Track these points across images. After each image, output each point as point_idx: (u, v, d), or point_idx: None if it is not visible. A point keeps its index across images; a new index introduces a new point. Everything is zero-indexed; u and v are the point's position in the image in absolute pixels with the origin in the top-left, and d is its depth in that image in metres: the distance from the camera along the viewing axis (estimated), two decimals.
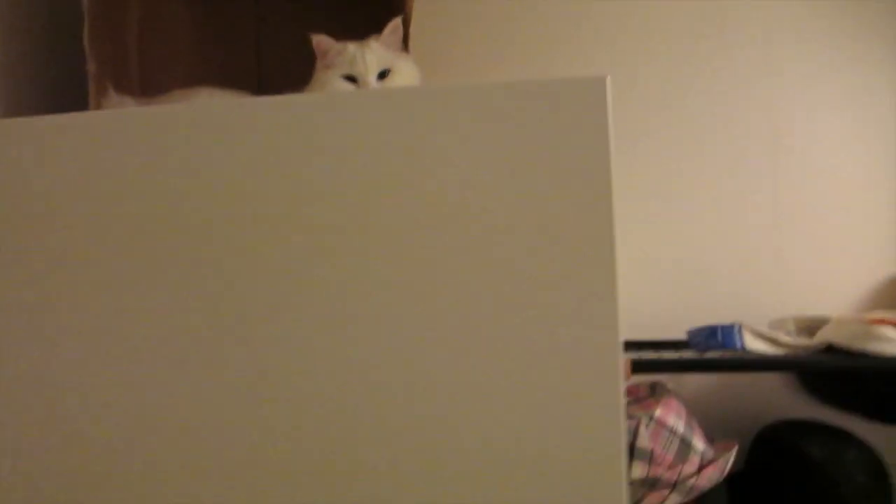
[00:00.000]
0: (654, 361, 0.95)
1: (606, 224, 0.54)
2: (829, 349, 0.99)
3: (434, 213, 0.56)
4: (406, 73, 0.91)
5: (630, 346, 1.09)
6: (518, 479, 0.55)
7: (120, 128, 0.61)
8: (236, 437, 0.58)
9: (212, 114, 0.60)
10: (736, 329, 0.98)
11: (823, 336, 1.01)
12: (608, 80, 0.52)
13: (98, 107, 0.95)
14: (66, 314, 0.60)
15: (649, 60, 1.28)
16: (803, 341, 1.00)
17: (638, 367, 0.94)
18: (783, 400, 1.20)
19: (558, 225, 0.54)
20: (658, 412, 0.91)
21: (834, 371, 1.05)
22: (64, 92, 1.06)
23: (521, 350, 0.55)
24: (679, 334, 1.18)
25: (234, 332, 0.58)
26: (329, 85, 0.91)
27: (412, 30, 0.96)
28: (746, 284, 1.25)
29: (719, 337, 0.98)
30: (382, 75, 0.90)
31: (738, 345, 0.97)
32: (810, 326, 1.12)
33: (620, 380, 0.56)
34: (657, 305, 1.23)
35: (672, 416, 0.92)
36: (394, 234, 0.56)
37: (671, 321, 1.22)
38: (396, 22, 0.92)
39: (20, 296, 0.60)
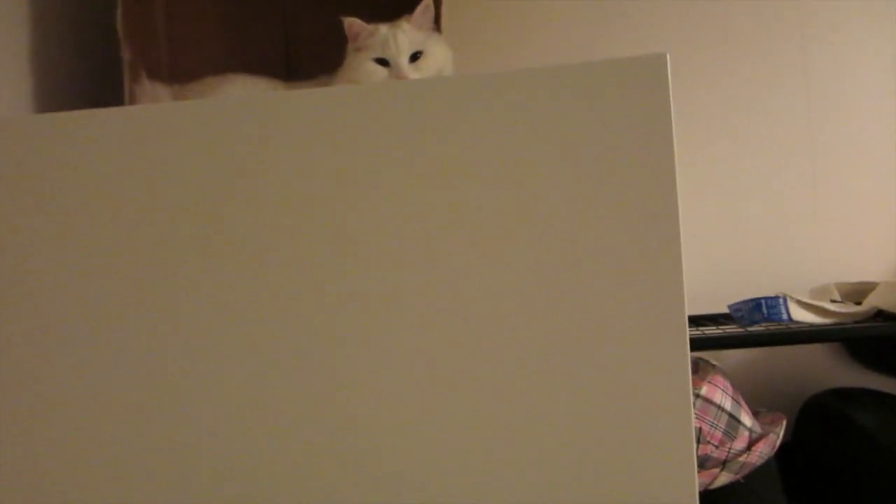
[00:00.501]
0: (700, 338, 0.94)
1: (671, 203, 0.54)
2: (879, 315, 0.97)
3: (496, 200, 0.54)
4: (439, 55, 0.90)
5: None
6: (585, 466, 0.55)
7: (147, 123, 0.60)
8: (239, 432, 0.58)
9: (251, 107, 0.60)
10: (781, 301, 0.96)
11: (871, 302, 0.99)
12: (667, 57, 0.51)
13: (133, 97, 0.95)
14: (86, 311, 0.60)
15: (687, 37, 1.24)
16: (851, 308, 0.98)
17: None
18: (829, 368, 1.18)
19: (623, 206, 0.53)
20: (704, 389, 0.91)
21: (886, 338, 1.03)
22: (98, 80, 1.07)
23: (584, 335, 0.55)
24: (717, 307, 1.16)
25: (254, 330, 0.58)
26: (361, 68, 0.90)
27: (444, 9, 0.94)
28: (784, 252, 1.22)
29: (764, 310, 0.96)
30: (414, 57, 0.89)
31: (785, 316, 0.95)
32: (855, 292, 1.10)
33: (687, 360, 0.55)
34: (693, 278, 1.22)
35: (718, 392, 0.92)
36: (447, 227, 0.55)
37: (709, 294, 1.21)
38: (428, 2, 0.90)
39: (30, 296, 0.60)
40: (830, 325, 0.95)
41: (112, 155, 0.60)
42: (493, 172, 0.54)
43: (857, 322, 0.96)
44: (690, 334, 1.01)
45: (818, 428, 1.04)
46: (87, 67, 1.07)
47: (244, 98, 0.62)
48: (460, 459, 0.56)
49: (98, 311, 0.59)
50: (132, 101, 0.94)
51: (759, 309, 0.97)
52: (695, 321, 1.13)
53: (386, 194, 0.56)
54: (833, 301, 1.04)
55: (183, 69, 1.12)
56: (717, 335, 0.96)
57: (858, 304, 1.04)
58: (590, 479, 0.54)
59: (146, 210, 0.59)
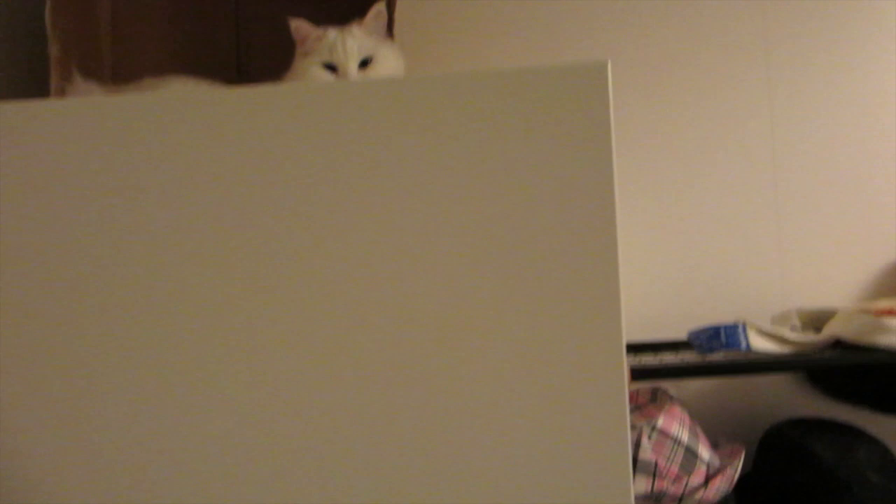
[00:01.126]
0: (655, 368, 0.91)
1: (609, 213, 0.51)
2: (837, 344, 0.95)
3: (427, 209, 0.52)
4: (390, 61, 0.85)
5: (627, 348, 1.05)
6: (520, 491, 0.52)
7: (89, 116, 0.56)
8: (234, 432, 0.55)
9: (189, 104, 0.56)
10: (740, 328, 0.93)
11: (830, 331, 0.97)
12: (608, 64, 0.48)
13: (60, 93, 0.89)
14: (51, 310, 0.56)
15: (643, 52, 1.22)
16: (810, 337, 0.95)
17: (639, 373, 0.89)
18: (789, 397, 1.16)
19: (559, 217, 0.51)
20: (660, 421, 0.87)
21: (844, 367, 1.01)
22: (26, 76, 1.00)
23: (520, 355, 0.53)
24: (677, 333, 1.13)
25: (229, 331, 0.54)
26: (307, 73, 0.85)
27: (397, 15, 0.90)
28: (746, 277, 1.20)
29: (722, 337, 0.93)
30: (364, 63, 0.84)
31: (743, 345, 0.93)
32: (815, 319, 1.08)
33: (624, 388, 0.53)
34: (653, 304, 1.19)
35: (675, 424, 0.88)
36: (384, 233, 0.53)
37: (668, 320, 1.18)
38: (380, 7, 0.86)
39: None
40: (789, 354, 0.92)
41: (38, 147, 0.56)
42: (431, 179, 0.51)
43: (815, 351, 0.93)
44: (647, 362, 0.97)
45: (777, 459, 1.01)
46: (14, 63, 1.00)
47: (174, 94, 0.58)
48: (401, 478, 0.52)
49: (75, 307, 0.54)
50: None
51: (718, 337, 0.93)
52: (654, 348, 1.10)
53: (325, 195, 0.54)
54: (793, 328, 1.01)
55: (127, 69, 1.06)
56: (674, 364, 0.93)
57: (819, 330, 1.02)
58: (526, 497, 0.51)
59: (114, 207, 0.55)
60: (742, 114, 1.21)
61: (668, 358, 0.98)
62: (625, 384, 0.52)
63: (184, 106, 0.56)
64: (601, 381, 0.52)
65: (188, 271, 0.55)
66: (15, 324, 0.56)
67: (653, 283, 1.19)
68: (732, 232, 1.21)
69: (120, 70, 1.07)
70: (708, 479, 0.81)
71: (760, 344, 0.93)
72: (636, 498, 0.79)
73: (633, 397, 0.99)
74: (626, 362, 0.52)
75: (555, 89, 0.49)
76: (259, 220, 0.54)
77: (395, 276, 0.52)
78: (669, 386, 0.99)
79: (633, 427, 0.86)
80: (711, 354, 0.95)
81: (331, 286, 0.53)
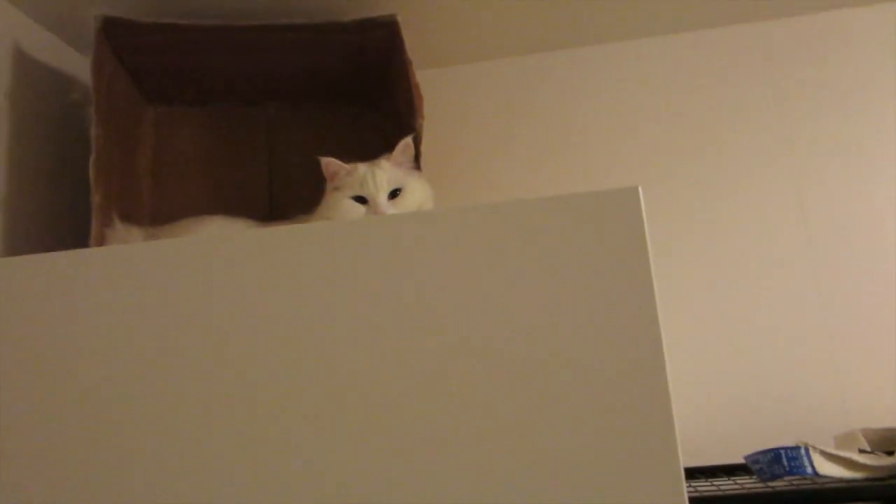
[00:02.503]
0: (714, 496, 0.83)
1: (654, 337, 0.49)
2: None
3: (471, 339, 0.50)
4: (418, 191, 0.87)
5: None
6: None
7: (121, 263, 0.58)
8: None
9: (215, 247, 0.57)
10: (803, 451, 0.86)
11: None
12: (640, 190, 0.48)
13: (101, 238, 0.92)
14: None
15: (671, 178, 1.23)
16: (884, 461, 0.88)
17: (695, 503, 0.82)
18: None
19: (603, 343, 0.48)
20: None
21: None
22: (67, 224, 1.04)
23: (574, 487, 0.48)
24: (729, 457, 1.06)
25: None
26: (338, 206, 0.87)
27: (423, 148, 0.93)
28: (800, 397, 1.13)
29: (784, 462, 0.86)
30: (394, 195, 0.86)
31: (809, 470, 0.85)
32: (885, 440, 1.00)
33: None
34: (701, 426, 1.12)
35: None
36: (430, 364, 0.52)
37: (719, 443, 1.10)
38: (407, 141, 0.89)
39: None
40: (862, 479, 0.84)
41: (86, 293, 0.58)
42: (475, 309, 0.51)
43: (892, 475, 0.85)
44: (702, 490, 0.90)
45: None
46: (58, 212, 1.04)
47: (210, 238, 0.59)
48: None
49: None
50: (98, 244, 0.90)
51: (779, 461, 0.86)
52: (707, 473, 1.02)
53: (373, 327, 0.53)
54: (861, 451, 0.93)
55: (165, 211, 1.10)
56: (735, 492, 0.86)
57: (889, 453, 0.94)
58: None
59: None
60: (778, 238, 1.20)
61: (726, 485, 0.91)
62: None
63: (210, 248, 0.57)
64: None
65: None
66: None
67: (701, 406, 1.13)
68: (783, 351, 1.15)
69: (158, 212, 1.11)
70: None
71: (828, 468, 0.85)
72: None
73: None
74: (685, 490, 0.48)
75: (590, 214, 0.49)
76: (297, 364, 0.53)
77: (447, 408, 0.50)
78: None
79: None
80: (774, 481, 0.87)
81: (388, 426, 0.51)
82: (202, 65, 1.08)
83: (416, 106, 0.94)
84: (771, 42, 1.26)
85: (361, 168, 0.88)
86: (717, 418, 1.13)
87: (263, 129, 1.18)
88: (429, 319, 0.51)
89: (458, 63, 1.30)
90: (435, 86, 1.26)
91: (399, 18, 0.99)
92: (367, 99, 1.17)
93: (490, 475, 0.49)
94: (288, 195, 1.14)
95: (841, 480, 0.84)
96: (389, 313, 0.52)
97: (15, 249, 0.93)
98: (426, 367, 0.51)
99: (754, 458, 0.91)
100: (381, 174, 0.86)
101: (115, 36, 0.98)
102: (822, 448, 0.87)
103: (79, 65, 1.11)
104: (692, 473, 1.02)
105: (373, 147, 0.94)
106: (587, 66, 1.29)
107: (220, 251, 0.56)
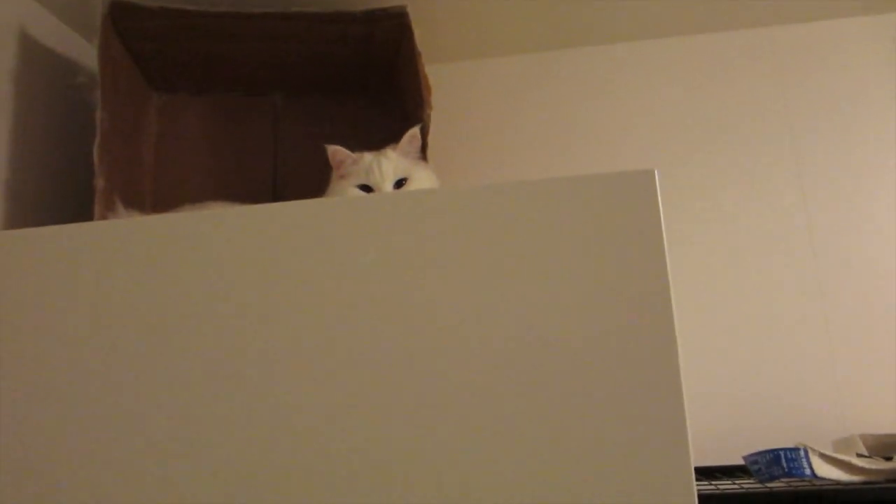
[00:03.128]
0: (715, 494, 0.83)
1: (667, 320, 0.48)
2: None
3: (477, 323, 0.50)
4: (424, 181, 0.87)
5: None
6: None
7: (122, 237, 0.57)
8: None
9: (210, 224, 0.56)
10: (802, 453, 0.86)
11: None
12: (656, 172, 0.47)
13: (103, 220, 0.91)
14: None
15: (674, 161, 1.23)
16: (883, 465, 0.87)
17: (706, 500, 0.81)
18: None
19: (614, 327, 0.48)
20: None
21: None
22: (70, 208, 1.03)
23: (583, 481, 0.48)
24: (726, 457, 1.05)
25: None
26: (344, 194, 0.87)
27: (430, 140, 0.92)
28: (800, 402, 1.13)
29: (783, 463, 0.85)
30: (400, 184, 0.86)
31: (808, 471, 0.85)
32: (882, 446, 1.00)
33: None
34: (702, 426, 1.12)
35: None
36: (435, 349, 0.51)
37: (718, 443, 1.10)
38: (414, 131, 0.89)
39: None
40: (861, 483, 0.84)
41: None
42: (480, 293, 0.50)
43: (890, 480, 0.85)
44: (702, 489, 0.90)
45: None
46: (61, 195, 1.04)
47: (208, 214, 0.59)
48: None
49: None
50: None
51: (779, 461, 0.86)
52: (706, 473, 1.02)
53: (377, 309, 0.52)
54: (859, 455, 0.93)
55: (167, 198, 1.10)
56: (734, 491, 0.85)
57: (888, 459, 0.94)
58: None
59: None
60: (779, 223, 1.20)
61: (724, 485, 0.90)
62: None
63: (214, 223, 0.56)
64: None
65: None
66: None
67: (702, 406, 1.12)
68: (784, 355, 1.15)
69: (161, 199, 1.11)
70: None
71: (826, 471, 0.85)
72: None
73: None
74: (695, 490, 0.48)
75: (605, 195, 0.48)
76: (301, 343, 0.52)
77: (451, 394, 0.49)
78: None
79: None
80: (772, 482, 0.87)
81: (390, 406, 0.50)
82: (209, 52, 1.07)
83: (424, 96, 0.93)
84: (775, 46, 1.26)
85: (368, 157, 0.88)
86: (718, 421, 1.13)
87: (269, 118, 1.18)
88: (435, 303, 0.51)
89: (465, 59, 1.30)
90: (442, 81, 1.26)
91: (408, 10, 0.99)
92: (375, 90, 1.16)
93: (492, 460, 0.49)
94: (292, 185, 1.14)
95: (839, 483, 0.84)
96: (395, 295, 0.51)
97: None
98: (431, 352, 0.50)
99: (753, 458, 0.91)
100: (388, 163, 0.85)
101: (122, 20, 0.98)
102: (820, 450, 0.87)
103: (84, 51, 1.11)
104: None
105: (379, 139, 0.94)
106: (592, 65, 1.29)
107: (221, 226, 0.56)
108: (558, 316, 0.49)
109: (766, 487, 0.86)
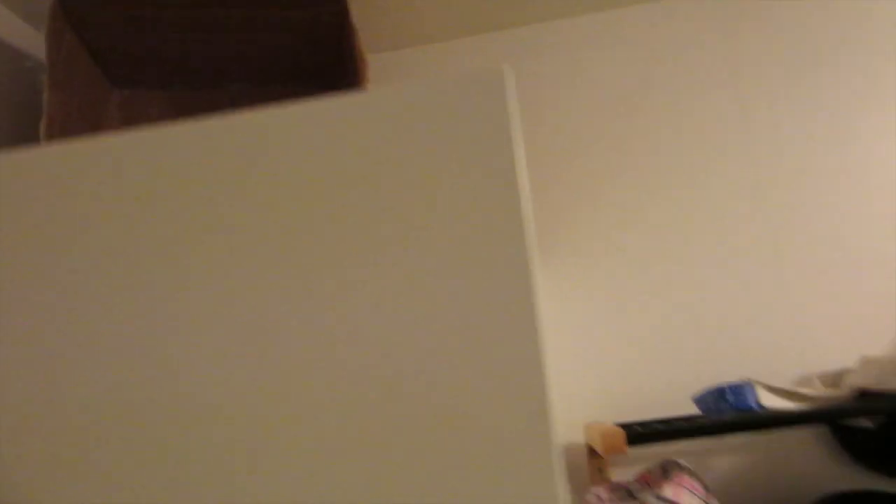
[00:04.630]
0: (651, 431, 0.83)
1: (519, 236, 0.46)
2: (862, 396, 0.86)
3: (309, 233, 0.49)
4: None
5: (639, 425, 0.97)
6: None
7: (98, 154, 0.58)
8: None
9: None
10: (747, 387, 0.86)
11: (850, 381, 0.89)
12: (506, 69, 0.48)
13: None
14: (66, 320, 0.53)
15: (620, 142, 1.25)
16: (826, 392, 0.87)
17: (635, 438, 0.81)
18: (828, 471, 1.03)
19: (466, 244, 0.46)
20: (669, 491, 0.78)
21: (866, 416, 0.91)
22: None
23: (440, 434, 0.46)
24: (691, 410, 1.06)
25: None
26: None
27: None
28: (756, 349, 1.12)
29: (729, 397, 0.86)
30: None
31: (754, 403, 0.85)
32: (838, 379, 0.99)
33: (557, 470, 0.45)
34: (662, 381, 1.11)
35: (685, 493, 0.79)
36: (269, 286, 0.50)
37: (682, 398, 1.10)
38: None
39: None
40: (804, 408, 0.84)
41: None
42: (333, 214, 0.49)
43: (836, 404, 0.85)
44: (654, 426, 0.89)
45: None
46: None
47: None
48: None
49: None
50: None
51: (724, 396, 0.86)
52: (666, 423, 1.02)
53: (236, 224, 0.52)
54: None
55: None
56: (681, 426, 0.85)
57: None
58: None
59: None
60: (729, 184, 1.21)
61: (677, 423, 0.90)
62: (555, 464, 0.45)
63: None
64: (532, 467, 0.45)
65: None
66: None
67: (659, 362, 1.12)
68: (736, 301, 1.15)
69: None
70: None
71: (771, 400, 0.85)
72: None
73: (645, 477, 0.90)
74: (554, 437, 0.44)
75: (455, 99, 0.47)
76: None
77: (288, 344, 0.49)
78: (682, 460, 0.90)
79: (635, 499, 0.77)
80: (720, 417, 0.87)
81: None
82: (163, 45, 1.12)
83: (360, 73, 0.96)
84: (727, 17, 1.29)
85: None
86: (676, 376, 1.12)
87: (227, 110, 1.22)
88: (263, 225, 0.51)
89: (406, 46, 1.34)
90: (387, 69, 1.31)
91: None
92: (328, 76, 1.20)
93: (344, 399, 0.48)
94: None
95: (784, 412, 0.84)
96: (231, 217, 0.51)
97: None
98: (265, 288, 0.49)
99: (701, 397, 0.91)
100: None
101: (74, 11, 1.02)
102: (765, 383, 0.87)
103: (36, 42, 1.14)
104: (649, 426, 1.01)
105: None
106: (534, 43, 1.32)
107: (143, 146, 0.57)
108: (401, 227, 0.48)
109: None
